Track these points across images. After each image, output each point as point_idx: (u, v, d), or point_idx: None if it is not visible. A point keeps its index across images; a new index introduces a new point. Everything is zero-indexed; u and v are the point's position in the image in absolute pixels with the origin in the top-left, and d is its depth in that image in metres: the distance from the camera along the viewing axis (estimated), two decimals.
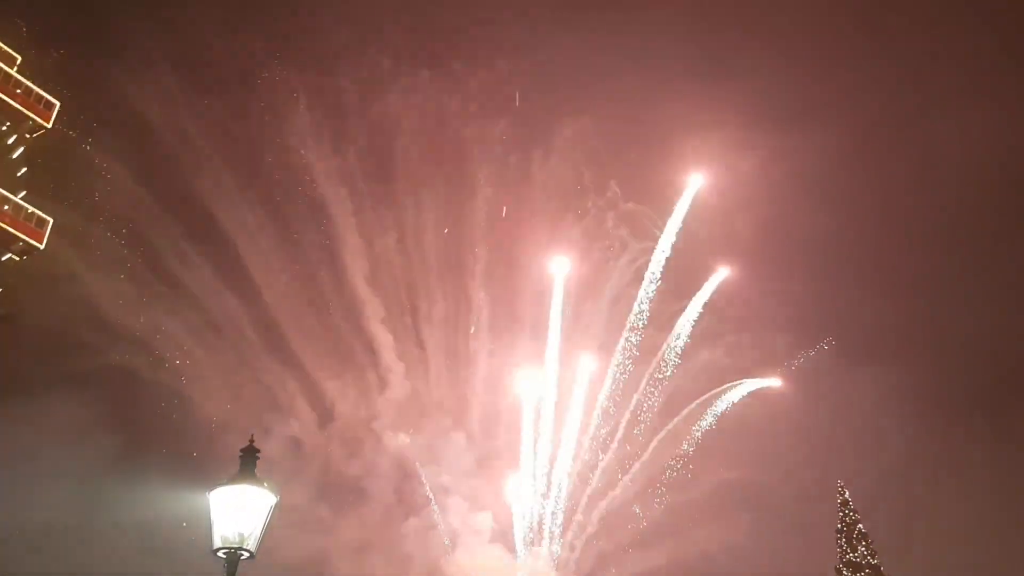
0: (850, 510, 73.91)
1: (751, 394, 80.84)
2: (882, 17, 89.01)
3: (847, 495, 74.30)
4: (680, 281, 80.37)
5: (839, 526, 73.66)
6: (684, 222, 79.20)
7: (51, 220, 64.52)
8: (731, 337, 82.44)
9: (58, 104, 65.72)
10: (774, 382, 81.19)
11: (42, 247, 64.28)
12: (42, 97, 65.25)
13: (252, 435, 20.23)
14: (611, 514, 78.62)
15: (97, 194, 76.80)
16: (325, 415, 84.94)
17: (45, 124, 65.27)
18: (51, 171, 67.04)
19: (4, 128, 64.65)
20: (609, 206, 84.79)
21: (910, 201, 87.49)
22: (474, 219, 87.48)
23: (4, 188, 62.88)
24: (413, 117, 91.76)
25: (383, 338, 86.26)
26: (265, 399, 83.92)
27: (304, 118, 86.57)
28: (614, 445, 78.42)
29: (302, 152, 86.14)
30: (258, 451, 19.85)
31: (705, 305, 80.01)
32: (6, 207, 62.79)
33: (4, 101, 63.74)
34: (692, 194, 79.38)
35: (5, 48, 64.76)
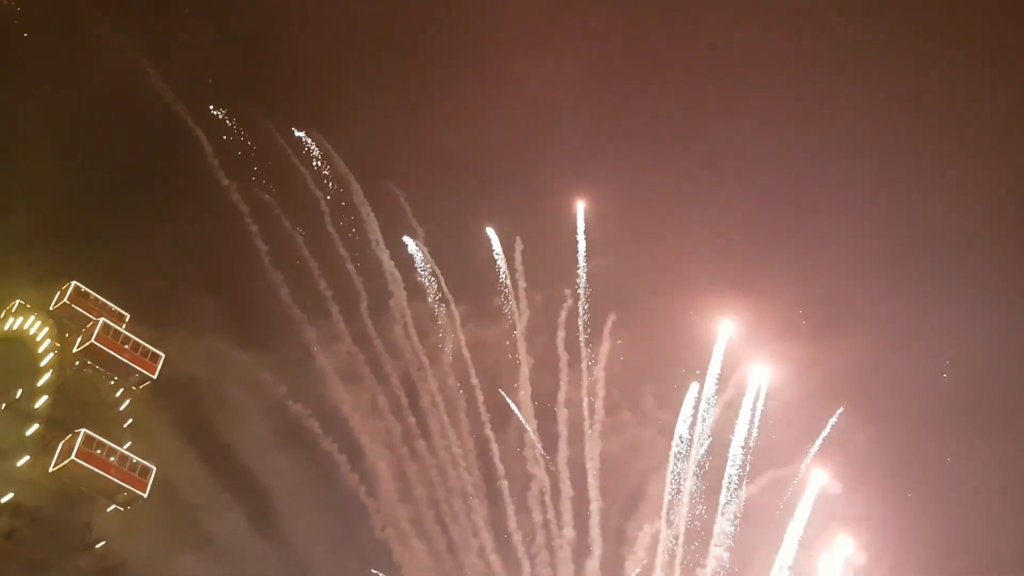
0: None
1: None
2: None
3: None
4: None
5: None
6: None
7: (154, 468, 65.91)
8: None
9: (163, 356, 69.07)
10: None
11: (145, 496, 65.29)
12: (148, 350, 68.80)
13: None
14: None
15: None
16: None
17: (151, 376, 68.36)
18: (156, 419, 68.55)
19: (112, 382, 67.88)
20: None
21: None
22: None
23: (111, 439, 64.86)
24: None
25: None
26: None
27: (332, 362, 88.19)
28: None
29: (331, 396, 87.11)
30: None
31: None
32: (112, 458, 64.44)
33: (112, 357, 67.36)
34: None
35: (115, 307, 69.41)
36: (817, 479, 77.52)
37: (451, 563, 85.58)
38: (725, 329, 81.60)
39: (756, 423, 79.85)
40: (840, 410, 78.12)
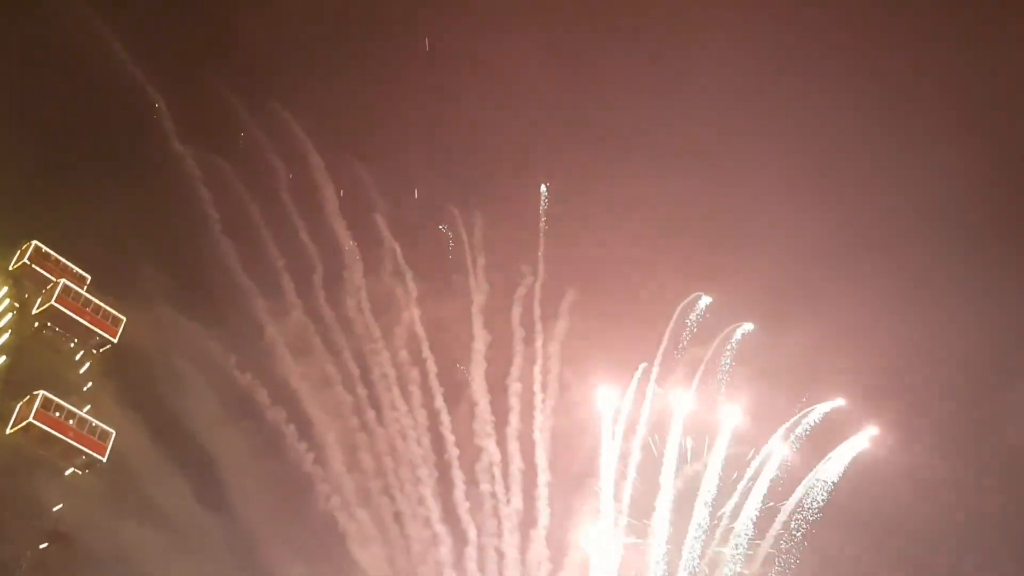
0: None
1: None
2: None
3: None
4: None
5: None
6: None
7: (114, 432, 65.62)
8: None
9: (124, 319, 68.62)
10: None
11: (104, 460, 65.04)
12: (109, 313, 68.30)
13: None
14: None
15: None
16: None
17: (112, 339, 67.90)
18: (115, 383, 68.19)
19: (72, 344, 67.22)
20: None
21: None
22: None
23: (70, 402, 64.38)
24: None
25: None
26: None
27: (284, 336, 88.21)
28: None
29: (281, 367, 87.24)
30: None
31: None
32: (71, 421, 63.97)
33: (73, 319, 66.72)
34: None
35: (76, 269, 68.54)
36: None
37: (397, 532, 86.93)
38: (699, 302, 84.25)
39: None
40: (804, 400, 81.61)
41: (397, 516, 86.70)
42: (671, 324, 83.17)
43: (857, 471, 77.20)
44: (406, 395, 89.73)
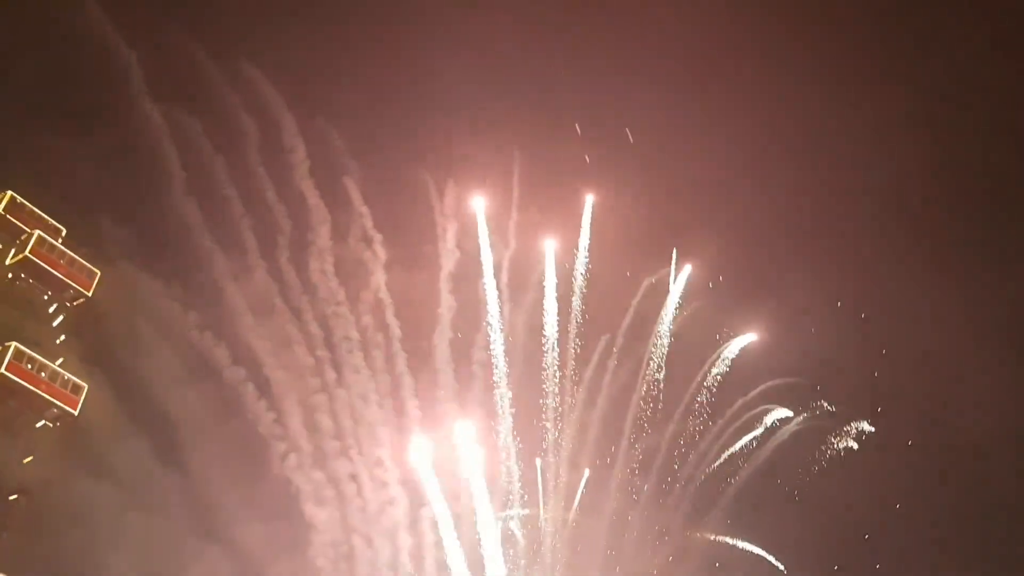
0: None
1: None
2: None
3: None
4: None
5: None
6: None
7: (86, 386, 65.51)
8: None
9: (99, 273, 68.22)
10: None
11: (76, 413, 64.94)
12: (84, 267, 67.83)
13: None
14: None
15: None
16: None
17: (86, 293, 67.54)
18: (89, 338, 67.89)
19: (46, 297, 66.69)
20: None
21: None
22: None
23: (42, 355, 64.00)
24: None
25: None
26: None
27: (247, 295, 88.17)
28: None
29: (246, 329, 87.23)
30: None
31: None
32: (43, 373, 63.66)
33: (47, 271, 66.20)
34: None
35: (51, 220, 67.82)
36: None
37: (354, 492, 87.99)
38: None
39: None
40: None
41: (354, 477, 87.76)
42: (638, 297, 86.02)
43: (803, 457, 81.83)
44: (369, 359, 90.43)
